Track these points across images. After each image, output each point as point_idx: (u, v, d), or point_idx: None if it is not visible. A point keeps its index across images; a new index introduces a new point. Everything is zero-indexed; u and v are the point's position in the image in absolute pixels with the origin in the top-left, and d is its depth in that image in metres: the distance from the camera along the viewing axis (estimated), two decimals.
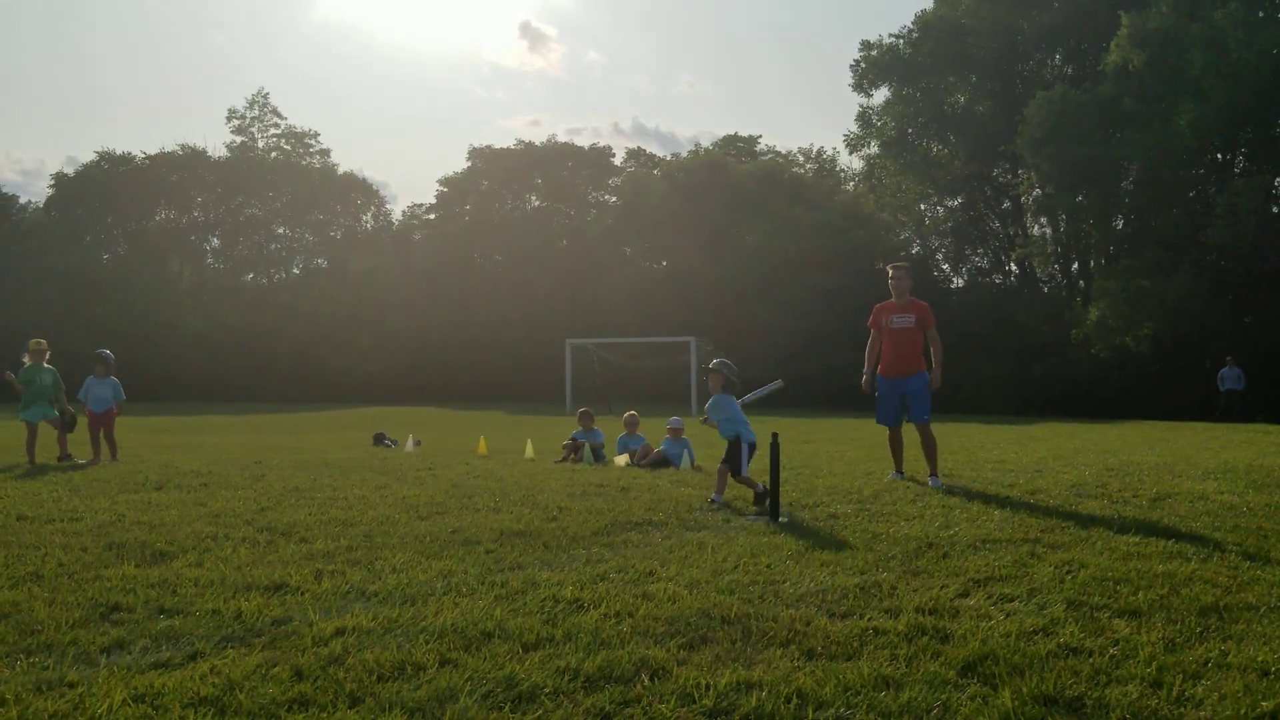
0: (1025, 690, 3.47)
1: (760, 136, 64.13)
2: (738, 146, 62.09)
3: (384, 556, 5.72)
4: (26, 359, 11.81)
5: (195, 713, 3.20)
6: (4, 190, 61.07)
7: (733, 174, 50.90)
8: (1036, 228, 45.26)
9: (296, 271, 64.37)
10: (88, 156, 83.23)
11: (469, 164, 60.96)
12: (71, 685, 3.43)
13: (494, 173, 60.13)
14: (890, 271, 9.70)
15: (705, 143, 69.79)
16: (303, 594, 4.80)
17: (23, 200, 62.53)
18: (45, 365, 11.84)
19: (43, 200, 60.91)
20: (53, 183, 59.93)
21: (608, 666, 3.72)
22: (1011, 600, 4.72)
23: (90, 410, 12.00)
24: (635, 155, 64.51)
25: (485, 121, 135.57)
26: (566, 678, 3.59)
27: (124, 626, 4.19)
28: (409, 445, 14.34)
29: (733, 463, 8.20)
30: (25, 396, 11.72)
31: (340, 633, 4.11)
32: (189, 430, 21.15)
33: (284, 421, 27.05)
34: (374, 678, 3.59)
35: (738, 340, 40.09)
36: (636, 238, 56.00)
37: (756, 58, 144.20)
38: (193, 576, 5.12)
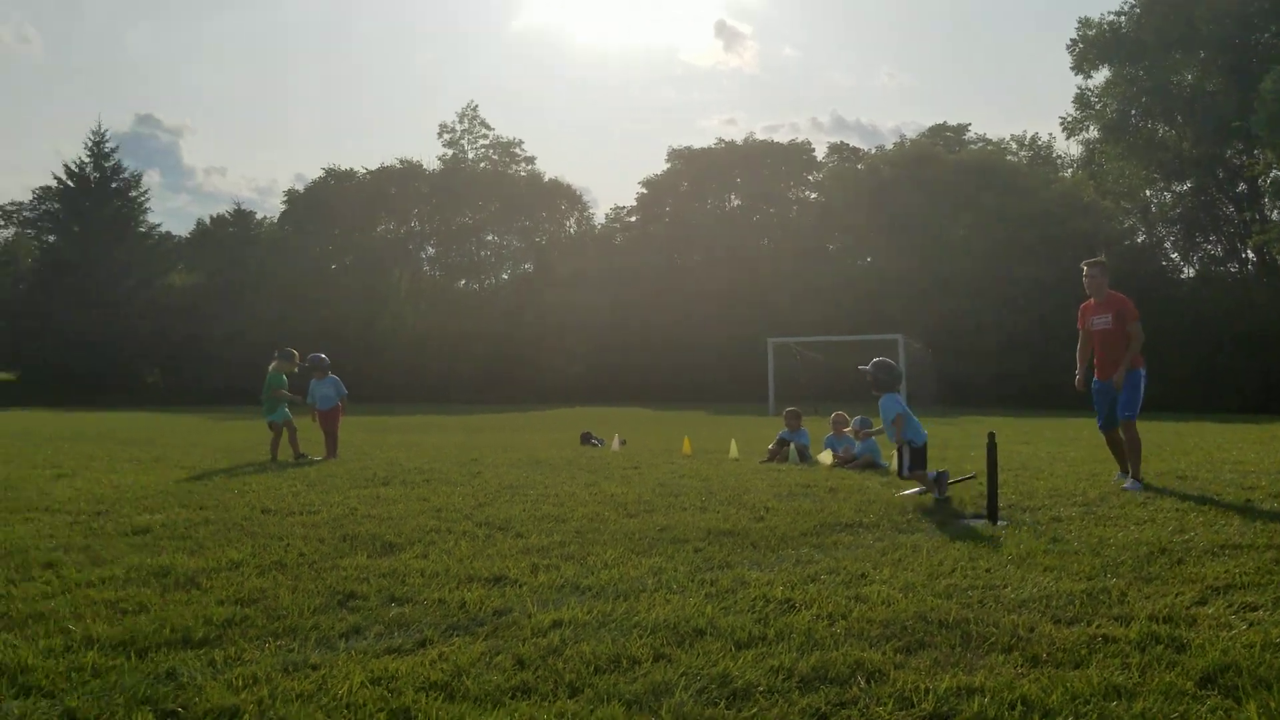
0: (1273, 705, 3.21)
1: (969, 125, 61.82)
2: (945, 136, 60.20)
3: (595, 552, 5.85)
4: (273, 365, 12.74)
5: (427, 696, 3.36)
6: (243, 207, 66.23)
7: (941, 165, 49.42)
8: (1276, 212, 41.81)
9: (505, 276, 66.77)
10: (314, 174, 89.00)
11: (669, 165, 61.68)
12: (315, 667, 3.66)
13: (694, 173, 60.57)
14: (1084, 269, 9.25)
15: (909, 134, 68.08)
16: (520, 586, 4.97)
17: (259, 216, 67.62)
18: (284, 374, 12.75)
19: (276, 215, 65.67)
20: (285, 199, 64.55)
21: (822, 667, 3.67)
22: (1255, 609, 4.39)
23: (318, 409, 12.77)
24: (837, 150, 63.50)
25: (683, 122, 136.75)
26: (780, 677, 3.58)
27: (359, 613, 4.45)
28: (615, 444, 14.61)
29: (909, 463, 8.17)
30: (269, 400, 12.62)
31: (557, 625, 4.23)
32: (409, 429, 22.25)
33: (496, 421, 28.09)
34: (591, 669, 3.68)
35: (949, 337, 38.91)
36: (840, 233, 55.20)
37: (960, 43, 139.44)
38: (419, 568, 5.39)
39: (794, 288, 50.96)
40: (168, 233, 67.28)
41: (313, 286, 56.30)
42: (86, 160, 58.09)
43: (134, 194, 59.28)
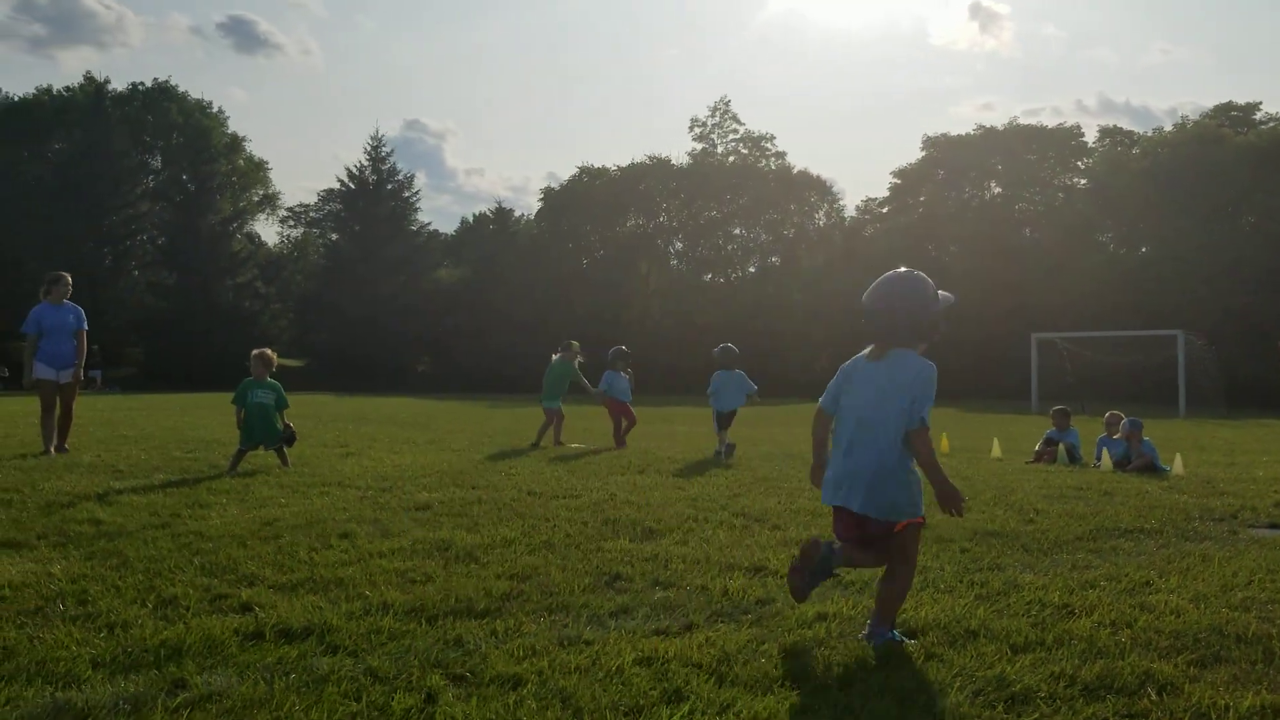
0: None
1: (1259, 104, 56.38)
2: (1231, 116, 55.23)
3: None
4: (556, 355, 13.39)
5: (697, 678, 3.41)
6: (503, 205, 69.66)
7: (1228, 147, 45.42)
8: None
9: (752, 270, 66.82)
10: (564, 172, 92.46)
11: (923, 153, 59.80)
12: (588, 643, 3.80)
13: (950, 161, 58.44)
14: None
15: (1189, 114, 63.01)
16: (782, 578, 4.96)
17: (516, 214, 70.87)
18: (576, 362, 13.39)
19: (532, 212, 68.54)
20: (541, 196, 67.19)
21: (1107, 676, 3.47)
22: None
23: (613, 399, 13.16)
24: (1110, 134, 59.44)
25: (935, 110, 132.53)
26: (1062, 683, 3.41)
27: (626, 594, 4.57)
28: None
29: None
30: (548, 388, 13.22)
31: (822, 618, 4.20)
32: (660, 420, 22.68)
33: (745, 414, 28.16)
34: (859, 665, 3.63)
35: (1235, 334, 35.77)
36: (1111, 222, 51.80)
37: (1248, 11, 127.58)
38: (680, 554, 5.48)
39: (1059, 280, 48.21)
40: (435, 230, 71.69)
41: (565, 280, 58.30)
42: (365, 164, 62.64)
43: (407, 194, 63.38)
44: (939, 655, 3.73)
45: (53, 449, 10.50)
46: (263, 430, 9.59)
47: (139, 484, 8.23)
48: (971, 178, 59.02)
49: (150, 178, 68.39)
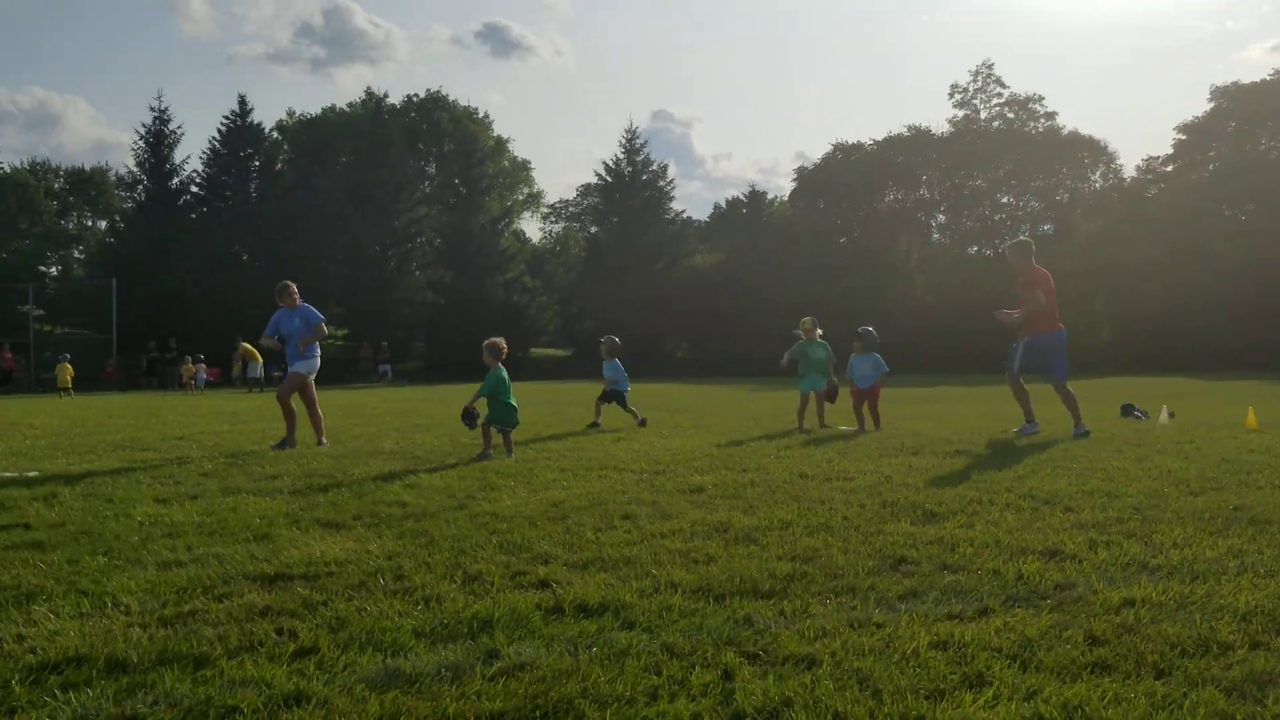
0: None
1: None
2: None
3: (1160, 530, 5.38)
4: (801, 334, 13.24)
5: (999, 663, 3.30)
6: (755, 188, 69.64)
7: None
8: None
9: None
10: (815, 151, 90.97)
11: (1211, 105, 54.85)
12: (879, 625, 3.74)
13: (1243, 112, 53.28)
14: None
15: None
16: (1080, 562, 4.71)
17: (769, 196, 70.62)
18: (817, 340, 13.15)
19: (785, 193, 68.08)
20: (794, 176, 66.66)
21: None
22: None
23: (855, 385, 12.95)
24: None
25: (1217, 57, 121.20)
26: None
27: (913, 578, 4.48)
28: (1162, 417, 13.35)
29: None
30: (801, 369, 13.11)
31: (1129, 603, 3.96)
32: (925, 400, 22.05)
33: (1037, 391, 26.83)
34: (1176, 652, 3.39)
35: None
36: None
37: None
38: (966, 537, 5.31)
39: None
40: (689, 217, 72.53)
41: (822, 261, 57.55)
42: (620, 156, 64.30)
43: (661, 183, 64.55)
44: (1265, 644, 3.44)
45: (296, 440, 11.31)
46: (495, 413, 10.15)
47: (434, 468, 8.84)
48: (1269, 128, 53.60)
49: (426, 183, 73.15)
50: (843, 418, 13.47)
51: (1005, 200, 63.58)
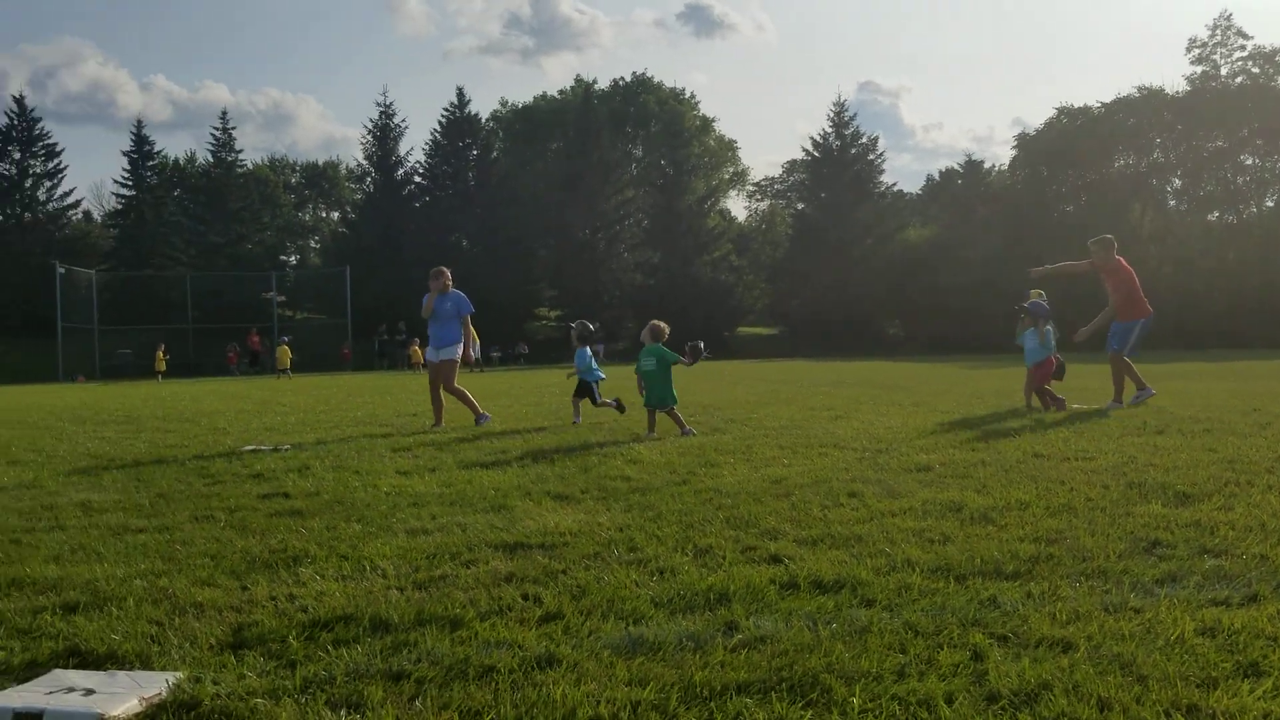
0: None
1: None
2: None
3: None
4: (1025, 304, 12.66)
5: (1275, 652, 3.06)
6: (972, 157, 67.00)
7: None
8: None
9: (1270, 204, 58.67)
10: (1034, 117, 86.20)
11: None
12: (1137, 610, 3.53)
13: None
14: None
15: None
16: None
17: (986, 165, 67.83)
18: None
19: (1003, 162, 65.16)
20: (1014, 144, 63.75)
21: None
22: None
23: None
24: None
25: None
26: None
27: (1170, 562, 4.20)
28: None
29: None
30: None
31: None
32: (1166, 377, 20.65)
33: (1264, 369, 24.84)
34: None
35: None
36: None
37: None
38: (1225, 520, 4.95)
39: None
40: (900, 190, 70.66)
41: (1047, 231, 54.80)
42: (829, 130, 63.26)
43: (871, 157, 63.14)
44: None
45: (442, 423, 11.59)
46: (652, 393, 10.23)
47: (653, 443, 8.99)
48: None
49: (634, 165, 74.21)
50: (1073, 395, 12.81)
51: (1249, 162, 58.91)
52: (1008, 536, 4.75)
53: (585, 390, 11.81)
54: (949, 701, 2.76)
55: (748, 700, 2.80)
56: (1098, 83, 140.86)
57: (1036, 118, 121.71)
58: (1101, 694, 2.78)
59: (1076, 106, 61.14)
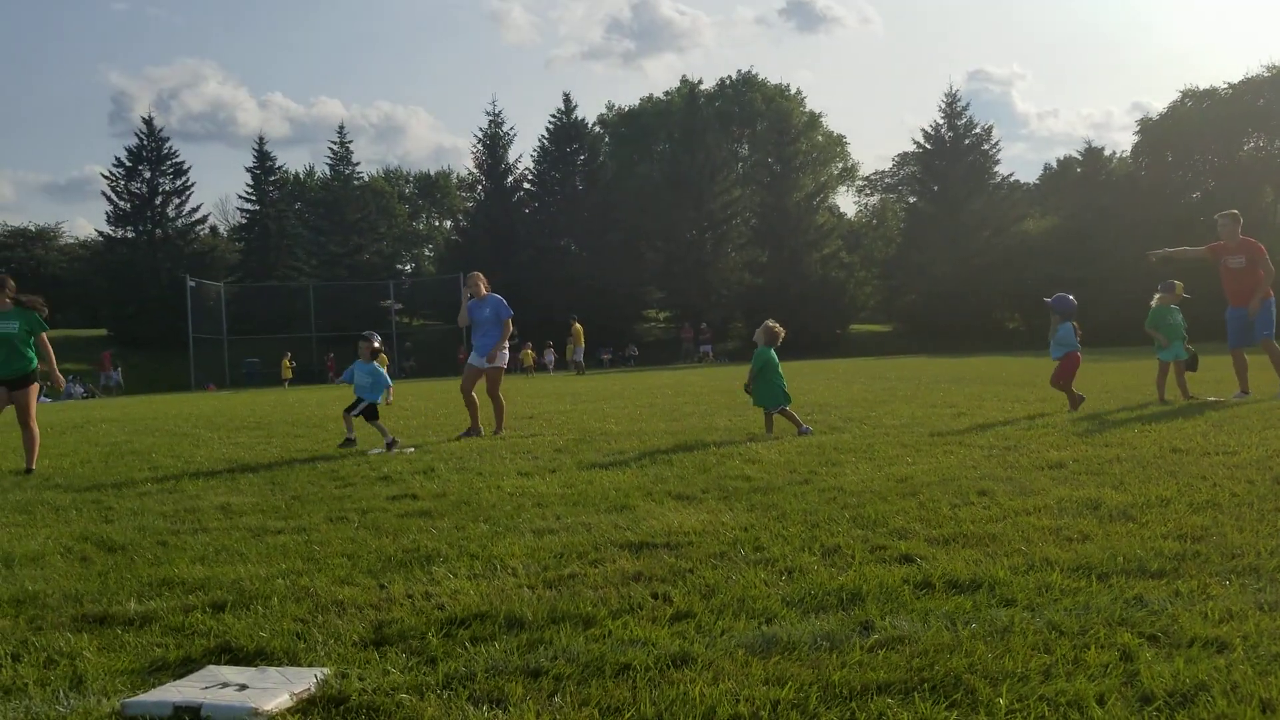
0: None
1: None
2: None
3: None
4: (1155, 298, 12.22)
5: None
6: (1092, 145, 64.81)
7: None
8: None
9: None
10: (1156, 100, 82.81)
11: None
12: None
13: None
14: None
15: None
16: None
17: (1107, 152, 65.47)
18: (1172, 306, 12.10)
19: (1125, 149, 62.82)
20: (1136, 130, 61.47)
21: None
22: None
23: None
24: None
25: None
26: None
27: None
28: None
29: None
30: (1167, 334, 12.01)
31: None
32: None
33: None
34: None
35: None
36: None
37: None
38: None
39: None
40: (1017, 181, 68.68)
41: (1173, 219, 52.69)
42: (940, 122, 61.96)
43: (985, 147, 61.61)
44: None
45: (479, 428, 11.39)
46: (763, 393, 10.17)
47: (770, 442, 8.94)
48: None
49: (740, 164, 73.88)
50: (1206, 387, 12.28)
51: None
52: (1150, 534, 4.58)
53: (362, 409, 10.90)
54: (1100, 702, 2.67)
55: (889, 700, 2.75)
56: (1222, 64, 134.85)
57: (1159, 102, 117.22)
58: (1263, 695, 2.66)
59: (1202, 89, 58.65)
